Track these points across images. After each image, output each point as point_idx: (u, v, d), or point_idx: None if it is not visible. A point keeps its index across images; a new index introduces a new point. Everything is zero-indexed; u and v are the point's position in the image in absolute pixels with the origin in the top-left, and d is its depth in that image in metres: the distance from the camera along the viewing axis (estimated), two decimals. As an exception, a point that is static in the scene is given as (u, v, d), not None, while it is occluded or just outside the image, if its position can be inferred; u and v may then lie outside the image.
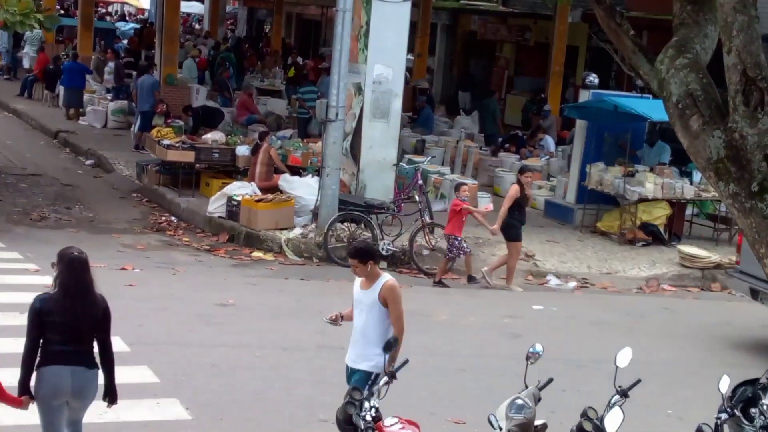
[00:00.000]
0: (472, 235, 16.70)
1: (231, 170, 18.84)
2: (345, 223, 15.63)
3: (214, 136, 19.05)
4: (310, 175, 17.55)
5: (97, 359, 6.96)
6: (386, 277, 7.72)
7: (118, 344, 10.02)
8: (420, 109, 26.35)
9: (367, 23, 16.40)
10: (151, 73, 24.06)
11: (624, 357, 6.32)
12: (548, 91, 27.55)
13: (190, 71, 29.07)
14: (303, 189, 16.77)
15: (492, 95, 27.02)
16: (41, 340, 6.85)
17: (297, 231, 16.05)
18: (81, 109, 26.78)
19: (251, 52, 37.52)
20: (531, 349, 6.51)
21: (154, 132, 19.96)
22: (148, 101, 22.93)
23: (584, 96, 18.96)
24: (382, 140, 16.67)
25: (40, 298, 6.96)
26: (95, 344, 6.99)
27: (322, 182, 15.90)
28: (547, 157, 21.96)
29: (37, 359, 6.87)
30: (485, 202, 18.97)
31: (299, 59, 34.88)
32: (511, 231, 14.61)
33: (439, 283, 14.58)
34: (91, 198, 18.65)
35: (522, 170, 15.54)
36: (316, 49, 40.93)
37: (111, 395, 7.09)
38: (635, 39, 6.69)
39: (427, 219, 15.77)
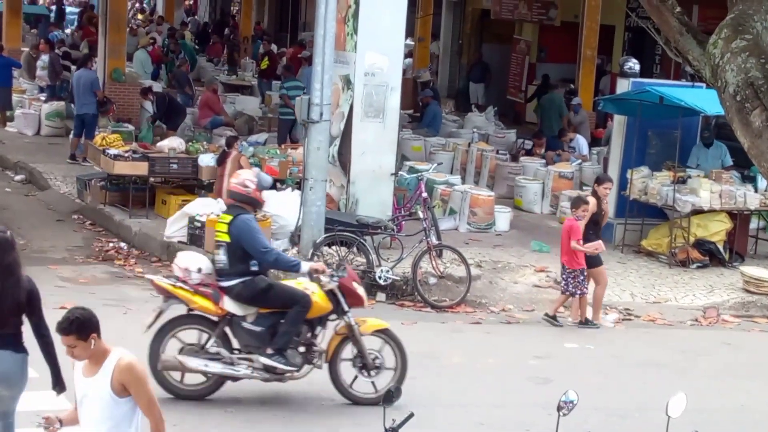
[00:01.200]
0: (489, 258, 16.72)
1: (193, 185, 18.86)
2: (333, 247, 15.62)
3: (171, 143, 19.05)
4: (289, 189, 17.56)
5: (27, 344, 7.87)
6: (119, 354, 6.72)
7: (60, 401, 10.01)
8: (423, 105, 26.42)
9: (357, 2, 16.45)
10: (90, 66, 24.06)
11: (677, 405, 6.32)
12: (579, 81, 27.62)
13: (142, 64, 29.13)
14: (281, 206, 16.76)
15: (555, 88, 26.86)
16: None
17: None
18: (9, 113, 26.81)
19: (215, 39, 37.68)
20: (564, 398, 6.50)
21: (97, 139, 19.94)
22: (87, 101, 22.95)
23: (623, 86, 18.98)
24: (376, 144, 16.67)
25: None
26: (23, 329, 7.94)
27: (305, 197, 15.90)
28: (579, 161, 21.99)
29: None
30: (505, 218, 19.03)
31: (273, 47, 34.97)
32: (592, 256, 14.52)
33: (552, 318, 14.55)
34: (22, 221, 18.65)
35: (599, 180, 15.38)
36: (295, 35, 41.03)
37: (59, 383, 7.99)
38: (682, 17, 6.70)
39: (434, 240, 15.77)
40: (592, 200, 14.70)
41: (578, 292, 14.41)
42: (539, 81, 29.71)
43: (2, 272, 8.09)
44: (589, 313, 14.60)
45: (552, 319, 14.54)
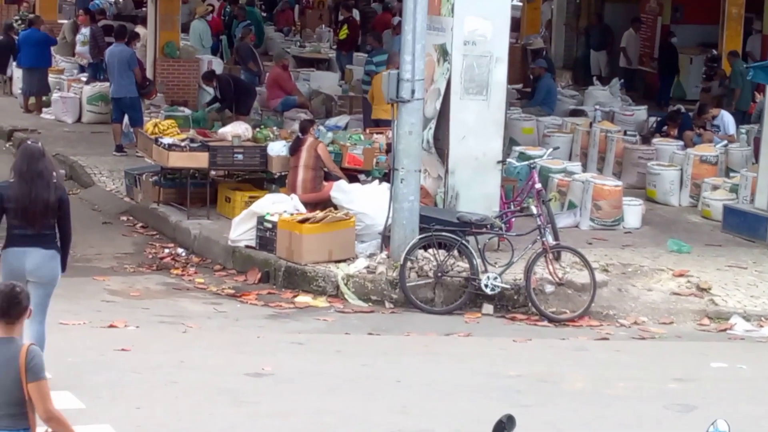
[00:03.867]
0: (616, 260, 16.62)
1: (262, 178, 18.97)
2: (430, 250, 15.63)
3: (235, 130, 19.17)
4: (376, 182, 17.59)
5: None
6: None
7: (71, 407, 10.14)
8: (535, 79, 26.33)
9: (453, -43, 16.47)
10: (133, 44, 24.19)
11: None
12: (722, 46, 27.34)
13: (200, 37, 29.27)
14: (367, 202, 16.82)
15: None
16: (6, 225, 11.05)
17: (360, 263, 16.09)
18: (45, 98, 27.16)
19: (285, 4, 37.81)
20: (712, 429, 6.44)
21: (148, 126, 20.13)
22: (124, 83, 23.08)
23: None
24: (480, 127, 16.65)
25: (1, 185, 11.26)
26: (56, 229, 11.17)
27: (395, 191, 15.91)
28: (725, 142, 21.78)
29: (4, 242, 11.08)
30: (635, 212, 18.89)
31: (354, 13, 35.02)
32: None
33: None
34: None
35: None
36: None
37: (62, 263, 11.35)
38: None
39: (551, 240, 15.70)
40: None
41: None
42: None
43: (33, 177, 11.04)
44: None
45: None
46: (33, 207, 11.06)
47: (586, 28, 33.72)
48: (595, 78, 29.85)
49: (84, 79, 27.32)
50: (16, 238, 11.18)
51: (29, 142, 11.63)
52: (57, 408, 7.25)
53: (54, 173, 11.31)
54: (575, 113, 24.93)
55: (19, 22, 31.41)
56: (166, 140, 18.73)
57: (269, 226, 16.59)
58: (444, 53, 16.64)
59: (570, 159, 21.51)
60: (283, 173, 18.36)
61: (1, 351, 7.10)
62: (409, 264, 15.48)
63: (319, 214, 16.55)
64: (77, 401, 11.07)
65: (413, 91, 15.68)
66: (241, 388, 11.91)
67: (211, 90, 24.73)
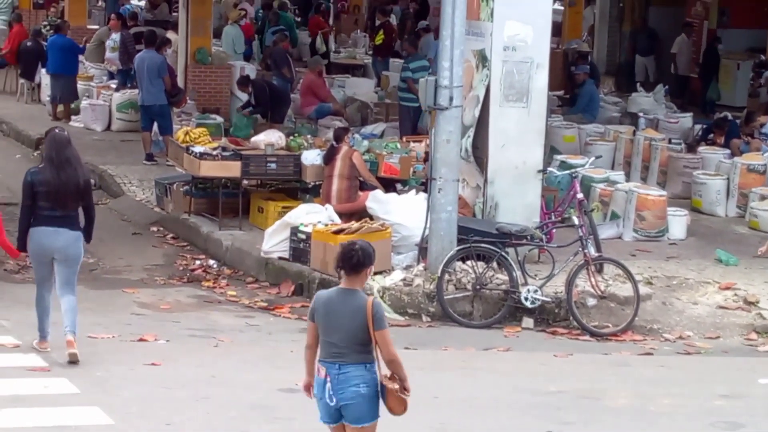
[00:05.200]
0: (661, 273, 16.58)
1: (296, 188, 19.01)
2: (468, 262, 15.62)
3: (268, 138, 19.22)
4: (413, 192, 17.61)
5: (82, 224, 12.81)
6: None
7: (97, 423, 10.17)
8: (577, 85, 26.30)
9: (492, -40, 16.47)
10: (163, 50, 24.24)
11: None
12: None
13: (233, 42, 29.33)
14: (403, 212, 16.83)
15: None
16: (35, 207, 12.65)
17: (397, 276, 16.11)
18: (74, 105, 27.29)
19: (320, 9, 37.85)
20: (760, 448, 6.42)
21: (179, 134, 20.21)
22: (153, 90, 23.17)
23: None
24: (520, 135, 16.64)
25: (31, 171, 12.90)
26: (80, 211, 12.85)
27: (432, 201, 15.92)
28: (774, 150, 21.71)
29: (32, 222, 12.67)
30: (680, 223, 18.84)
31: (392, 18, 35.06)
32: None
33: None
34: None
35: None
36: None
37: (87, 236, 13.11)
38: None
39: (593, 252, 15.67)
40: None
41: None
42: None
43: (62, 164, 12.66)
44: None
45: None
46: (62, 190, 12.67)
47: (632, 32, 33.68)
48: (638, 84, 29.78)
49: (113, 86, 27.43)
50: (45, 219, 12.72)
51: (56, 131, 13.21)
52: (396, 351, 8.77)
53: (80, 158, 13.16)
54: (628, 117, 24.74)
55: (48, 27, 31.60)
56: (198, 149, 18.80)
57: (303, 237, 16.63)
58: (483, 59, 16.64)
59: (613, 168, 21.47)
60: (317, 183, 18.40)
61: (348, 300, 8.72)
62: (446, 276, 15.49)
63: (354, 224, 16.58)
64: (106, 417, 11.12)
65: (451, 98, 15.68)
66: (275, 404, 11.93)
67: (244, 96, 24.80)
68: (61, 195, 12.65)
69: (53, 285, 13.03)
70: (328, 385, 8.80)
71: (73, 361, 12.59)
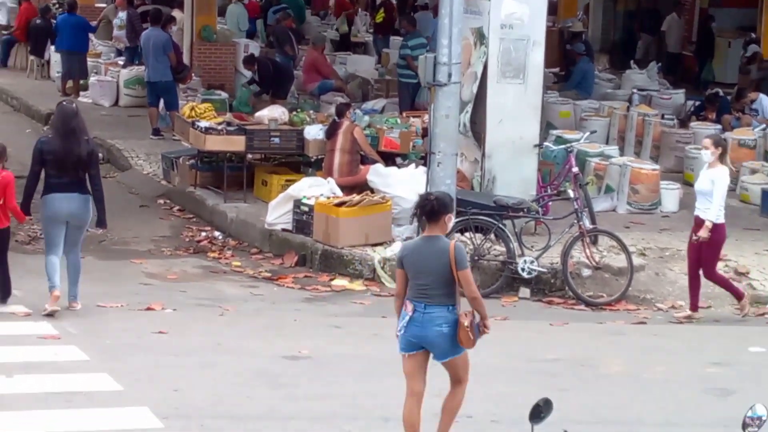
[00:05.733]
0: (654, 244, 16.58)
1: (298, 162, 19.01)
2: (466, 234, 15.63)
3: (272, 114, 19.20)
4: (413, 165, 17.60)
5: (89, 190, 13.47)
6: None
7: (147, 418, 10.22)
8: (573, 62, 26.24)
9: (490, -61, 16.42)
10: (168, 28, 24.22)
11: None
12: (761, 29, 27.18)
13: (237, 20, 29.29)
14: (403, 185, 16.83)
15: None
16: (44, 175, 13.41)
17: (397, 247, 16.11)
18: (82, 81, 27.27)
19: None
20: (750, 413, 6.43)
21: (185, 110, 20.20)
22: (159, 67, 23.16)
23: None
24: (517, 110, 16.63)
25: (41, 140, 13.82)
26: (87, 178, 13.46)
27: (431, 175, 15.91)
28: (763, 126, 21.67)
29: (43, 190, 13.48)
30: (673, 196, 18.83)
31: (392, -5, 34.99)
32: None
33: None
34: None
35: None
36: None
37: (101, 223, 13.88)
38: None
39: (587, 224, 15.68)
40: None
41: None
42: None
43: (67, 134, 13.32)
44: None
45: None
46: (67, 159, 13.32)
47: (638, 11, 33.48)
48: (632, 62, 29.71)
49: (121, 62, 27.41)
50: (55, 186, 13.42)
51: (64, 103, 14.00)
52: (477, 290, 9.57)
53: (86, 130, 13.71)
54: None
55: (57, 5, 31.54)
56: (203, 124, 18.80)
57: (306, 209, 16.63)
58: (481, 37, 16.61)
59: (607, 143, 21.42)
60: (319, 157, 18.38)
61: (432, 245, 9.41)
62: (445, 247, 15.48)
63: (355, 197, 16.58)
64: (115, 383, 11.15)
65: (450, 75, 15.64)
66: (279, 371, 11.96)
67: (248, 74, 24.76)
68: (66, 163, 13.34)
69: (62, 249, 13.64)
70: (407, 319, 9.48)
71: (51, 314, 13.22)
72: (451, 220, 9.91)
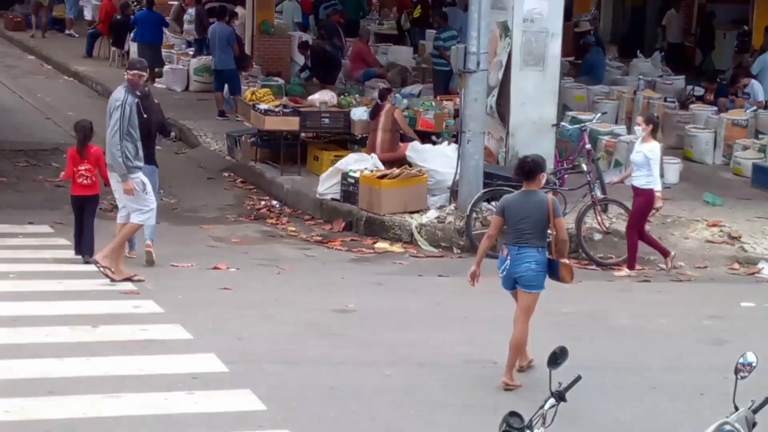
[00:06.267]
0: (658, 213, 16.49)
1: (345, 139, 19.00)
2: (493, 203, 15.59)
3: (322, 97, 19.22)
4: (446, 143, 17.57)
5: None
6: None
7: (213, 363, 10.28)
8: (585, 52, 26.09)
9: (514, -56, 16.32)
10: (232, 22, 24.29)
11: None
12: (753, 22, 26.95)
13: (293, 15, 29.28)
14: (437, 160, 16.81)
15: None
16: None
17: (431, 214, 16.11)
18: (157, 69, 27.33)
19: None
20: (741, 360, 6.40)
21: (247, 94, 20.25)
22: (224, 57, 23.25)
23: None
24: (537, 94, 16.58)
25: None
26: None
27: (462, 151, 15.90)
28: (755, 108, 21.51)
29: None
30: (674, 170, 18.74)
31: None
32: None
33: None
34: (173, 180, 19.01)
35: None
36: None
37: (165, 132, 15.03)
38: None
39: (599, 194, 15.64)
40: None
41: None
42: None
43: (141, 102, 13.47)
44: None
45: None
46: (150, 134, 13.98)
47: (643, 6, 33.16)
48: (638, 51, 29.51)
49: (191, 53, 27.48)
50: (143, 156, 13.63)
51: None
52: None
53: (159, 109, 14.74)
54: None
55: (134, 2, 31.59)
56: (262, 106, 18.85)
57: (352, 181, 16.64)
58: (506, 29, 16.55)
59: (616, 123, 21.32)
60: (364, 135, 18.38)
61: (531, 198, 10.17)
62: (474, 215, 15.48)
63: (395, 170, 16.58)
64: (186, 333, 11.20)
65: (479, 63, 15.64)
66: (329, 322, 11.99)
67: (301, 60, 24.77)
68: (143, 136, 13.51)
69: None
70: (507, 261, 10.15)
71: (150, 261, 13.67)
72: (545, 177, 10.54)
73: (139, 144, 13.19)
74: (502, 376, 10.09)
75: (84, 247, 13.89)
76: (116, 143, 12.98)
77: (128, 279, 12.99)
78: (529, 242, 10.10)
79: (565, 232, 10.38)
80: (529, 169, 10.13)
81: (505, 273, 10.25)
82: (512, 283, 10.30)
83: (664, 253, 14.95)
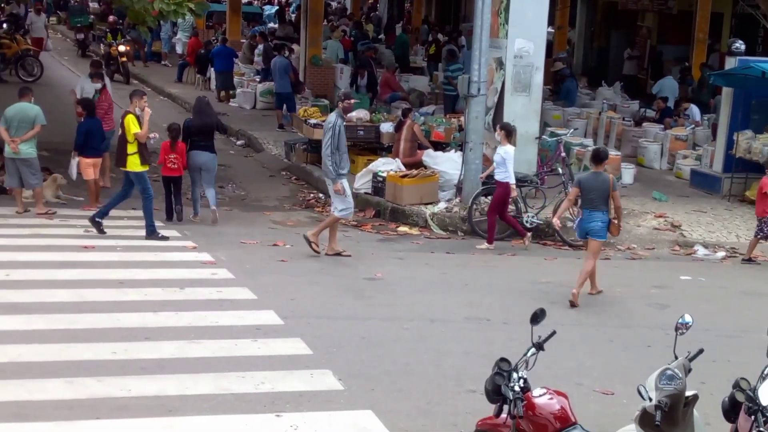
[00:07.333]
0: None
1: (376, 147, 18.97)
2: (489, 197, 15.55)
3: (358, 114, 19.18)
4: (453, 150, 17.53)
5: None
6: None
7: (272, 318, 10.28)
8: (560, 83, 25.95)
9: (508, -3, 16.23)
10: (286, 54, 24.36)
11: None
12: (692, 60, 26.75)
13: (336, 51, 29.27)
14: (447, 164, 16.77)
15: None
16: (189, 140, 14.90)
17: (441, 205, 16.08)
18: (231, 92, 27.36)
19: (391, 29, 37.64)
20: (680, 320, 6.35)
21: (300, 111, 20.29)
22: (283, 82, 23.33)
23: (730, 63, 18.35)
24: (524, 114, 16.50)
25: (187, 120, 15.18)
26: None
27: (465, 157, 15.86)
28: (693, 126, 21.37)
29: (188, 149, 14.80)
30: (629, 173, 18.65)
31: (440, 36, 34.74)
32: None
33: (749, 261, 14.33)
34: (243, 177, 19.05)
35: None
36: (456, 25, 40.72)
37: (222, 129, 15.98)
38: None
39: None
40: None
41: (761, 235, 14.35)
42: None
43: (200, 113, 14.90)
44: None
45: (749, 261, 14.31)
46: (202, 130, 14.73)
47: (606, 47, 32.94)
48: (603, 81, 29.33)
49: (258, 79, 27.49)
50: (195, 145, 14.81)
51: (200, 97, 15.70)
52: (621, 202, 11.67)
53: (213, 112, 15.43)
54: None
55: (215, 40, 31.63)
56: (312, 121, 18.86)
57: (380, 179, 16.62)
58: (500, 63, 16.48)
59: (585, 136, 21.26)
60: (390, 144, 18.35)
61: (599, 176, 11.48)
62: (474, 206, 15.44)
63: (414, 172, 16.56)
64: (252, 294, 11.23)
65: (479, 89, 15.59)
66: (361, 287, 11.99)
67: (343, 85, 24.74)
68: (201, 131, 14.75)
69: (200, 186, 15.05)
70: (579, 219, 11.88)
71: (214, 220, 14.66)
72: (607, 162, 11.92)
73: (345, 156, 13.16)
74: (570, 296, 11.51)
75: (176, 214, 14.90)
76: (328, 155, 13.04)
77: (338, 254, 13.28)
78: (597, 207, 11.48)
79: (620, 200, 11.68)
80: (598, 156, 11.59)
81: (578, 227, 11.79)
82: (584, 234, 11.72)
83: (522, 234, 14.79)
